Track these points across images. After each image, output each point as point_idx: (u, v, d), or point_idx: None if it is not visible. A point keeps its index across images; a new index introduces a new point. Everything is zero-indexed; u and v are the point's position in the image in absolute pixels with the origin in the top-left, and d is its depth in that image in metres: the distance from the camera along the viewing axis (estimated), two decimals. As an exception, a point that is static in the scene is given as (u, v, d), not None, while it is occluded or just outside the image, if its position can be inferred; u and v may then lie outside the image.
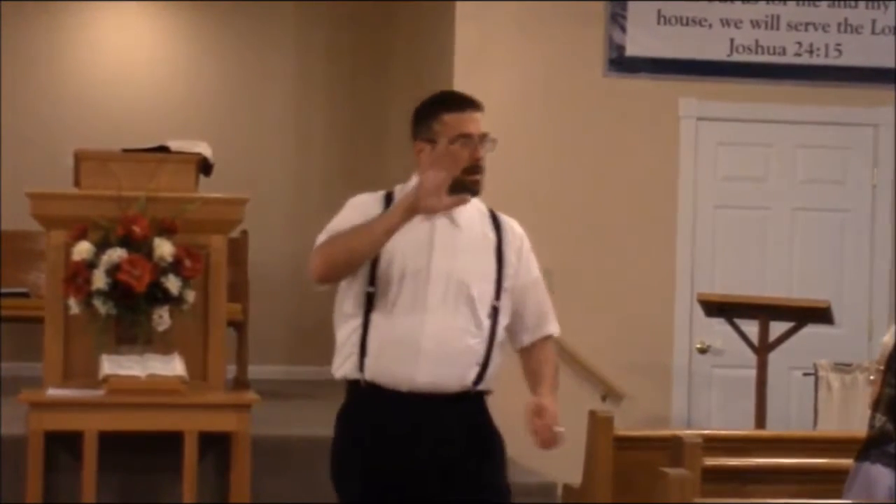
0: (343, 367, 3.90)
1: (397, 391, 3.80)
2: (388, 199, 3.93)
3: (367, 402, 3.85)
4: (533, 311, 3.99)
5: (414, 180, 3.89)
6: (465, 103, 3.91)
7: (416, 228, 3.80)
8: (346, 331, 3.89)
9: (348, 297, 3.88)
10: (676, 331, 7.86)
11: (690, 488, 3.61)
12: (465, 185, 3.80)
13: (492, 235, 3.94)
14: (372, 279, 3.83)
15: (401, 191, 3.94)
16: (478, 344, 3.84)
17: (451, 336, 3.81)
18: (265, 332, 9.20)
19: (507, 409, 4.12)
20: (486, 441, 3.91)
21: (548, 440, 3.74)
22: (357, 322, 3.85)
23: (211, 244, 6.51)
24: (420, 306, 3.80)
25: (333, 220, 3.97)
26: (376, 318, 3.82)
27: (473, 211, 3.94)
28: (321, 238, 3.91)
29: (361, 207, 3.94)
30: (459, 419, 3.85)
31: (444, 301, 3.81)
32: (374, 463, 3.82)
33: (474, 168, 3.84)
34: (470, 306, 3.83)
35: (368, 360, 3.83)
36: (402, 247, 3.81)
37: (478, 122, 3.88)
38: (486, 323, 3.86)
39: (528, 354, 4.02)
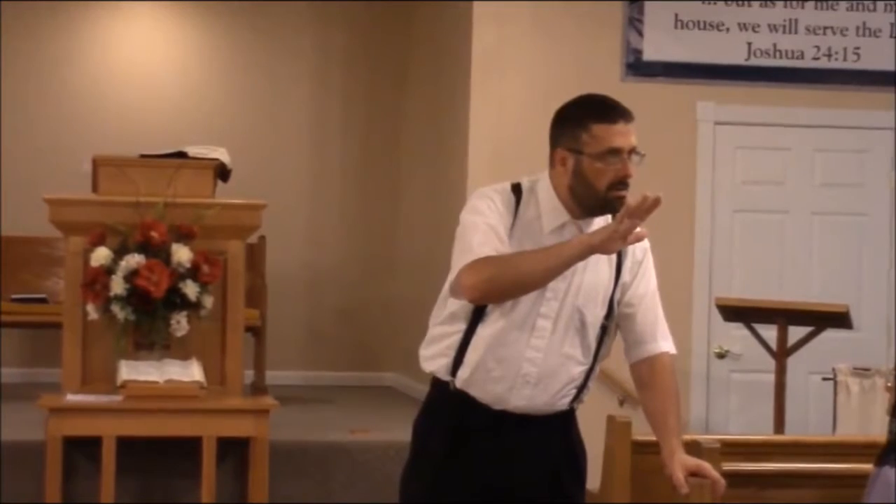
0: (434, 363, 3.74)
1: (488, 407, 3.67)
2: (517, 192, 3.69)
3: (453, 408, 3.71)
4: (643, 322, 3.77)
5: (543, 178, 3.70)
6: (616, 114, 3.60)
7: (540, 244, 3.60)
8: (445, 329, 3.71)
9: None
10: (694, 335, 7.84)
11: (709, 494, 3.60)
12: (608, 201, 3.59)
13: (615, 256, 3.69)
14: None
15: (529, 187, 3.71)
16: (581, 372, 3.71)
17: (555, 363, 3.65)
18: (283, 337, 9.21)
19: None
20: (569, 456, 3.79)
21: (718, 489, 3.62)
22: (461, 327, 3.67)
23: (229, 250, 6.52)
24: (529, 327, 3.62)
25: (473, 224, 3.62)
26: (482, 330, 3.64)
27: (603, 223, 3.69)
28: (470, 252, 3.56)
29: (498, 203, 3.65)
30: (547, 436, 3.72)
31: (556, 324, 3.64)
32: (450, 468, 3.70)
33: (621, 184, 3.58)
34: (581, 332, 3.67)
35: (463, 372, 3.67)
36: None
37: (628, 136, 3.58)
38: (594, 346, 3.72)
39: (641, 373, 3.78)
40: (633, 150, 3.60)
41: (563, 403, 3.72)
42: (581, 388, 3.74)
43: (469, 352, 3.67)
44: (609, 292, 3.71)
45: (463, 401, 3.69)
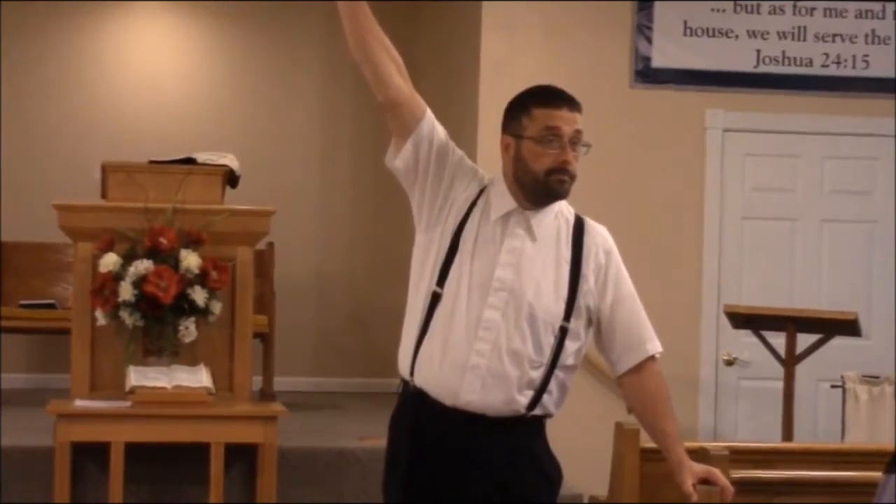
0: (401, 362, 3.71)
1: (441, 404, 3.59)
2: (483, 190, 3.67)
3: (413, 407, 3.66)
4: (623, 330, 3.67)
5: (499, 176, 3.68)
6: (559, 99, 3.61)
7: (489, 234, 3.59)
8: (409, 327, 3.66)
9: (419, 293, 3.64)
10: (703, 342, 7.83)
11: (718, 500, 3.60)
12: (548, 185, 3.58)
13: (567, 249, 3.65)
14: (441, 280, 3.60)
15: (490, 186, 3.68)
16: (534, 368, 3.57)
17: (504, 356, 3.53)
18: (291, 343, 9.21)
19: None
20: (534, 469, 3.64)
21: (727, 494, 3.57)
22: (419, 321, 3.61)
23: (237, 256, 6.53)
24: (476, 319, 3.54)
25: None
26: (435, 323, 3.57)
27: (556, 218, 3.69)
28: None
29: (474, 166, 3.70)
30: (507, 443, 3.59)
31: (504, 317, 3.54)
32: (413, 472, 3.62)
33: (560, 170, 3.58)
34: (532, 326, 3.55)
35: (418, 365, 3.60)
36: (473, 252, 3.58)
37: (570, 121, 3.59)
38: (550, 345, 3.58)
39: (630, 385, 3.70)
40: (575, 139, 3.60)
41: (520, 406, 3.58)
42: (539, 393, 3.60)
43: (424, 344, 3.61)
44: (563, 290, 3.62)
45: (421, 400, 3.63)
